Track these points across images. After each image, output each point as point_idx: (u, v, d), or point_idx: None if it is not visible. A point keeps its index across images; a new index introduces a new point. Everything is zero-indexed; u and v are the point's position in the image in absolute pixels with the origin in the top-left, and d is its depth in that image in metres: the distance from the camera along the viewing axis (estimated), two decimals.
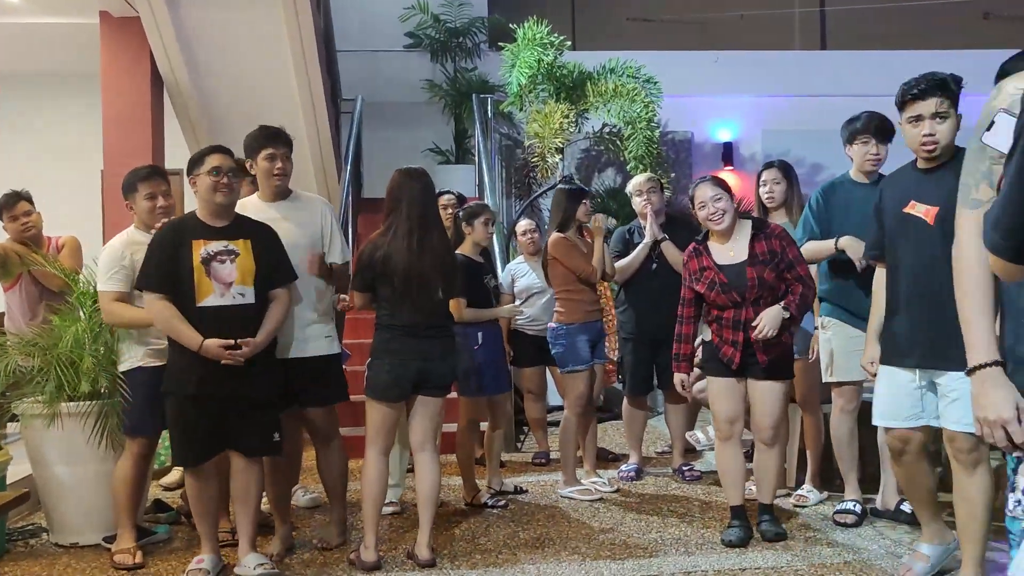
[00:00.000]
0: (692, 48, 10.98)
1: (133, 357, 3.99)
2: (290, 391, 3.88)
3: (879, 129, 4.24)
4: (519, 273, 5.84)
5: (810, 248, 4.25)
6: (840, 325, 4.29)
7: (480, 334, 4.71)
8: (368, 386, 3.85)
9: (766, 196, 4.85)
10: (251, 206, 3.95)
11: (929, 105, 3.16)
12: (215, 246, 3.59)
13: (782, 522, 4.22)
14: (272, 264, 3.69)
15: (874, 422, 3.54)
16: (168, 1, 6.46)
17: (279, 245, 3.75)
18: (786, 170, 4.85)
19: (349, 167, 8.42)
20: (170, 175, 4.38)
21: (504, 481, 5.02)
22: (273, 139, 3.93)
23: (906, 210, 3.31)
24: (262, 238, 3.69)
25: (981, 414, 1.90)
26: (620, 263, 5.28)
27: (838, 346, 4.29)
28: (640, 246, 5.23)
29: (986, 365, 1.90)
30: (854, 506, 4.31)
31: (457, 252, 4.65)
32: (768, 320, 3.90)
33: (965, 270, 1.94)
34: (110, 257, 4.00)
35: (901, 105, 3.26)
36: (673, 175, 9.52)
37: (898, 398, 3.36)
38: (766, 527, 4.09)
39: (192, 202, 3.83)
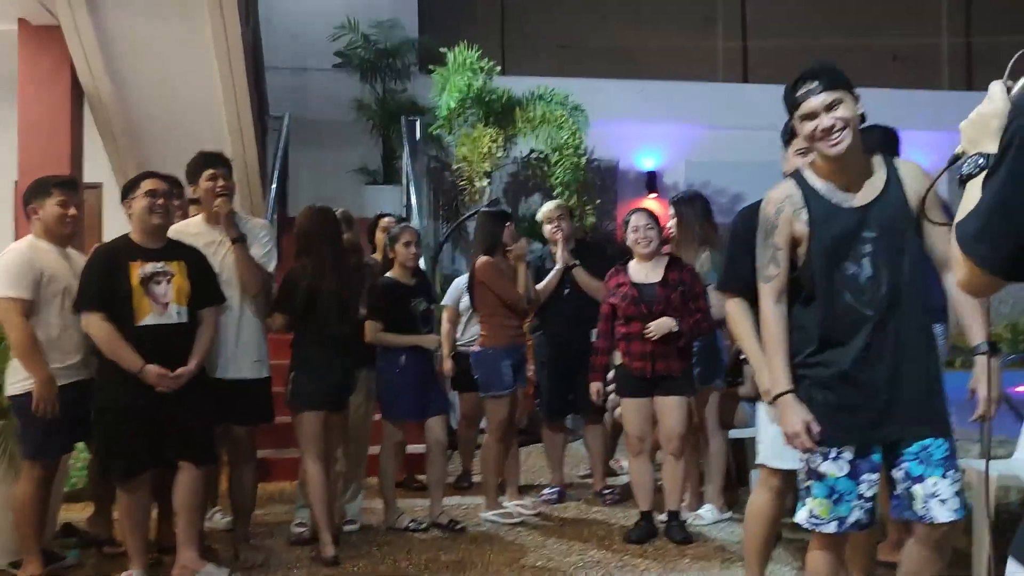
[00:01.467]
0: (619, 76, 11.21)
1: (26, 379, 3.79)
2: (218, 408, 3.94)
3: None
4: (462, 290, 5.72)
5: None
6: None
7: (403, 357, 4.67)
8: (297, 398, 4.20)
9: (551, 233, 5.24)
10: (194, 228, 4.12)
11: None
12: (151, 267, 3.72)
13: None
14: (203, 285, 3.86)
15: (764, 461, 3.34)
16: (91, 9, 6.30)
17: (208, 267, 3.94)
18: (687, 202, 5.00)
19: (275, 185, 8.33)
20: (89, 188, 4.31)
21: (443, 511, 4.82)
22: (213, 161, 4.09)
23: None
24: (193, 260, 3.86)
25: (785, 430, 2.59)
26: (541, 284, 5.37)
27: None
28: (552, 272, 5.31)
29: (785, 392, 2.59)
30: None
31: (386, 275, 4.76)
32: (659, 323, 4.35)
33: (771, 324, 2.64)
34: (18, 261, 3.80)
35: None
36: (599, 201, 9.66)
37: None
38: (674, 531, 4.43)
39: (110, 217, 3.80)
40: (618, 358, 4.56)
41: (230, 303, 4.03)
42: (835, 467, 2.55)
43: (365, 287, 4.68)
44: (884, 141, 3.66)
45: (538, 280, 5.34)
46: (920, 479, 2.52)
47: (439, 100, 8.74)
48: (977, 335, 2.63)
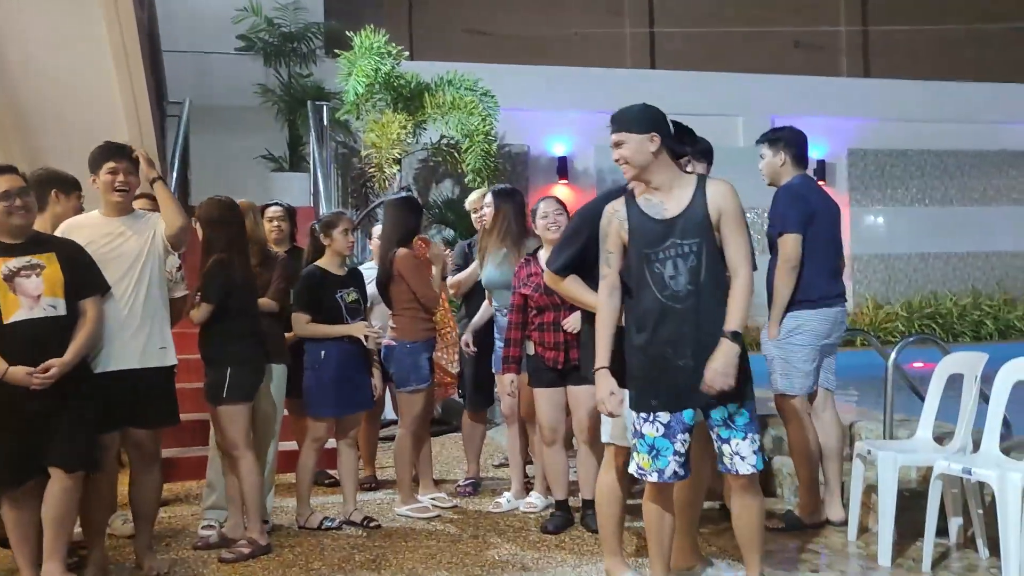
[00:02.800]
0: (528, 63, 11.17)
1: None
2: (114, 407, 3.76)
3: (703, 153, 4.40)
4: (368, 279, 5.65)
5: None
6: None
7: (323, 351, 4.56)
8: (233, 391, 4.14)
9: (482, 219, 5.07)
10: (91, 221, 3.96)
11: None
12: (16, 262, 3.55)
13: None
14: (81, 274, 3.68)
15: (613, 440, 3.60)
16: None
17: (86, 257, 3.74)
18: (504, 195, 4.99)
19: (175, 172, 8.03)
20: None
21: (357, 508, 4.75)
22: (115, 153, 3.91)
23: None
24: (66, 250, 3.69)
25: (596, 397, 3.31)
26: (458, 276, 5.35)
27: None
28: (477, 260, 5.24)
29: (600, 368, 3.26)
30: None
31: (314, 264, 4.68)
32: (575, 317, 4.27)
33: (602, 313, 3.30)
34: None
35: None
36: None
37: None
38: (590, 520, 4.38)
39: None
40: (531, 348, 4.54)
41: (134, 289, 3.86)
42: (652, 428, 3.19)
43: (278, 278, 4.61)
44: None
45: (465, 267, 5.29)
46: (727, 440, 3.18)
47: (346, 85, 8.54)
48: (729, 323, 3.13)
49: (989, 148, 12.89)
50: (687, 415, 3.18)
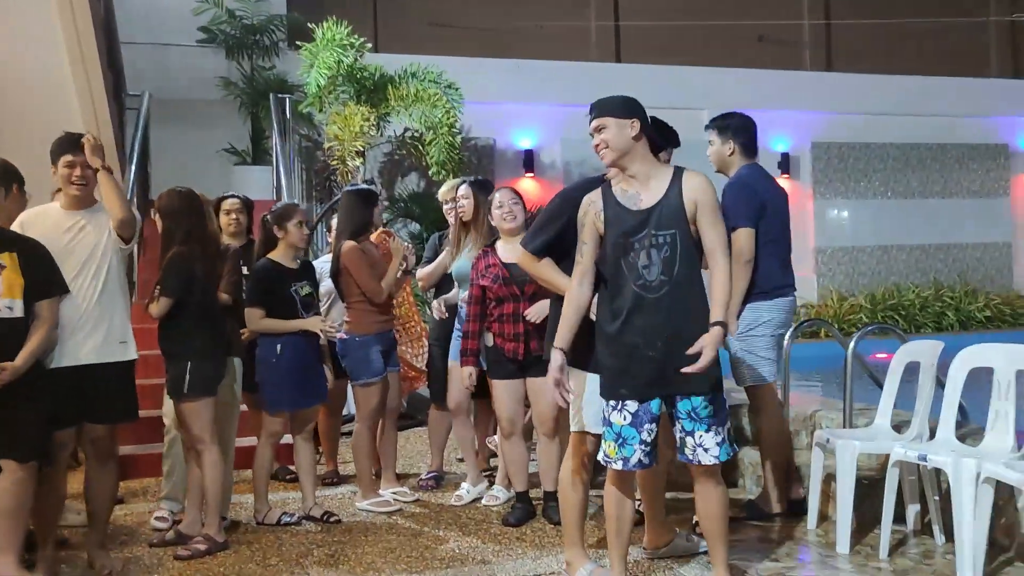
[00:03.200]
0: (494, 55, 11.13)
1: None
2: (71, 402, 3.72)
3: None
4: (324, 273, 5.59)
5: None
6: None
7: (279, 345, 4.51)
8: (196, 386, 4.07)
9: (460, 210, 4.98)
10: (51, 214, 3.89)
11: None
12: None
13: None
14: (40, 276, 3.62)
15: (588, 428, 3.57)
16: None
17: (47, 258, 3.67)
18: (484, 185, 5.00)
19: (134, 167, 7.91)
20: None
21: (316, 503, 4.70)
22: (73, 146, 3.83)
23: None
24: (28, 250, 3.63)
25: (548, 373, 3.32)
26: (427, 268, 5.30)
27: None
28: (446, 252, 5.20)
29: (558, 348, 3.31)
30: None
31: (266, 257, 4.59)
32: (538, 307, 4.27)
33: (571, 299, 3.34)
34: None
35: None
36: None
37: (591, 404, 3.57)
38: (552, 512, 4.38)
39: None
40: (489, 339, 4.51)
41: (91, 283, 3.80)
42: (620, 417, 3.22)
43: (230, 271, 4.56)
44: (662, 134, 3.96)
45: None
46: (691, 432, 3.21)
47: (308, 77, 8.45)
48: (715, 313, 3.15)
49: (950, 141, 13.05)
50: (654, 405, 3.22)
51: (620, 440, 3.23)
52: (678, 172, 3.25)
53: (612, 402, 3.24)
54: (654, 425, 3.23)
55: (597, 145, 3.25)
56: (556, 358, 3.32)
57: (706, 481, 3.29)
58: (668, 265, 3.15)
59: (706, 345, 3.10)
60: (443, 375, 5.25)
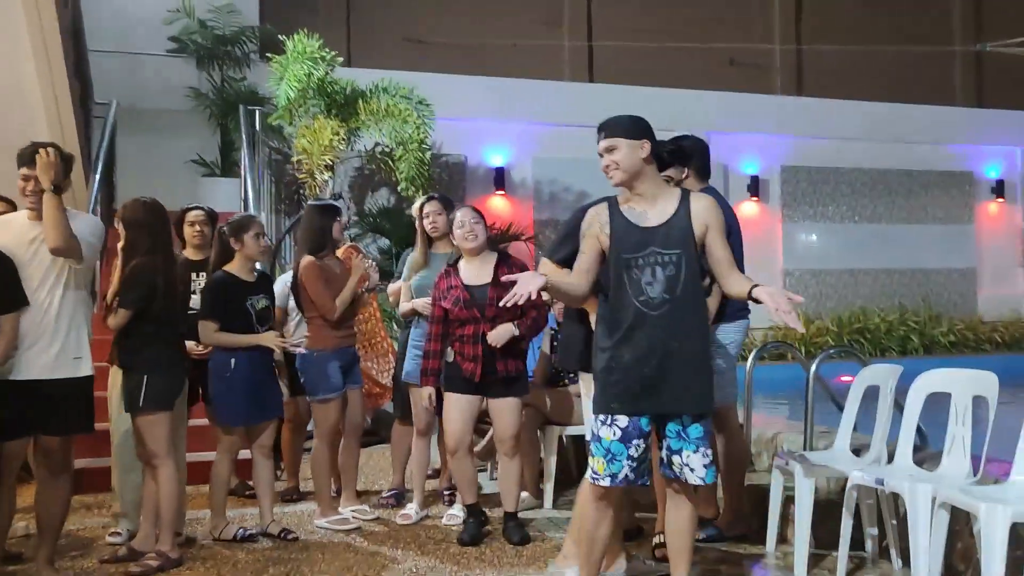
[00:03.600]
0: (467, 73, 11.13)
1: None
2: (23, 414, 3.67)
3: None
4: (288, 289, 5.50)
5: None
6: None
7: (233, 360, 4.44)
8: (152, 400, 4.00)
9: (430, 227, 4.97)
10: (16, 224, 3.87)
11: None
12: None
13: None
14: (2, 291, 3.61)
15: None
16: None
17: (11, 271, 3.67)
18: (447, 202, 5.02)
19: (99, 176, 7.81)
20: None
21: (274, 520, 4.63)
22: (30, 159, 3.77)
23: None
24: None
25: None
26: (396, 284, 5.25)
27: None
28: (408, 267, 5.17)
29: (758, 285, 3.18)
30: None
31: (222, 269, 4.52)
32: (499, 332, 4.33)
33: (571, 276, 3.34)
34: None
35: None
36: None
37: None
38: (512, 532, 4.39)
39: None
40: (450, 355, 4.48)
41: (48, 296, 3.75)
42: (609, 432, 3.21)
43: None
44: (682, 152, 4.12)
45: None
46: (679, 452, 3.20)
47: (278, 90, 8.40)
48: (749, 283, 3.19)
49: (916, 168, 13.21)
50: (644, 421, 3.21)
51: (609, 456, 3.19)
52: (685, 194, 3.29)
53: (602, 416, 3.23)
54: (642, 441, 3.22)
55: (607, 166, 3.23)
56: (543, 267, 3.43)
57: (683, 496, 3.29)
58: (671, 284, 3.16)
59: (774, 294, 3.08)
60: (406, 388, 5.21)
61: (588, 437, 3.41)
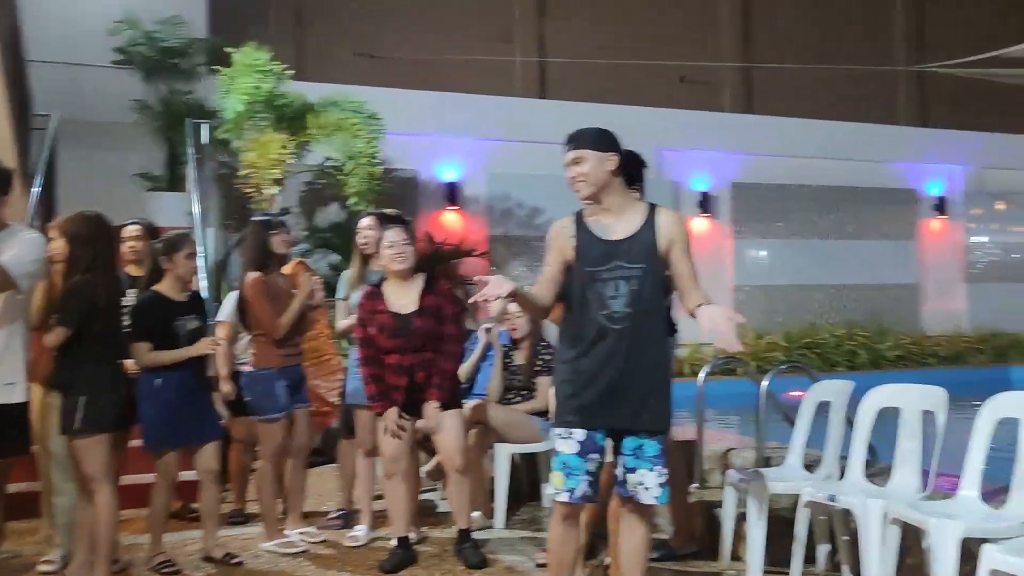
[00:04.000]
0: (419, 87, 11.09)
1: None
2: None
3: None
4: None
5: None
6: None
7: (157, 380, 4.20)
8: (90, 422, 3.84)
9: (362, 243, 4.93)
10: None
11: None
12: None
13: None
14: None
15: None
16: None
17: None
18: (384, 220, 4.93)
19: (39, 189, 7.59)
20: None
21: (218, 544, 4.49)
22: None
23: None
24: None
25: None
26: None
27: None
28: (344, 285, 5.08)
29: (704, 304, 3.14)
30: None
31: (152, 289, 4.32)
32: (429, 417, 4.28)
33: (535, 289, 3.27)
34: None
35: None
36: (397, 213, 9.46)
37: None
38: (468, 553, 4.28)
39: None
40: None
41: None
42: (567, 445, 3.17)
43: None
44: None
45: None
46: (634, 470, 3.17)
47: (225, 102, 8.25)
48: (698, 298, 3.16)
49: (862, 185, 13.45)
50: (599, 436, 3.17)
51: (567, 470, 3.15)
52: (652, 208, 3.25)
53: (560, 430, 3.19)
54: (599, 456, 3.19)
55: (574, 178, 3.19)
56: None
57: (638, 517, 3.25)
58: (635, 297, 3.13)
59: (715, 316, 3.00)
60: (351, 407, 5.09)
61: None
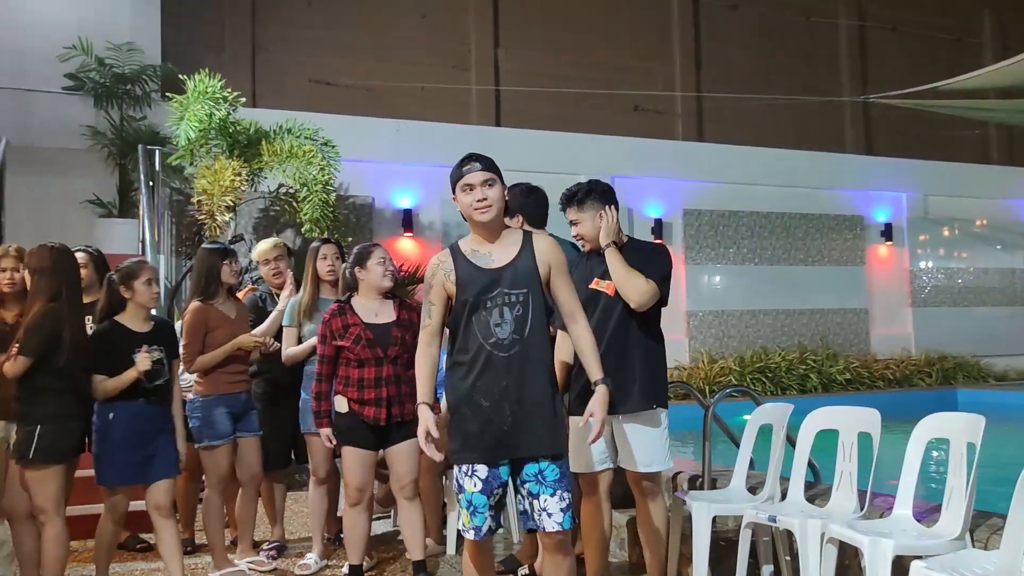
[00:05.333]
0: (374, 115, 11.15)
1: None
2: None
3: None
4: None
5: None
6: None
7: (111, 413, 4.07)
8: (45, 452, 3.87)
9: (327, 270, 5.00)
10: None
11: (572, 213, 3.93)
12: None
13: None
14: None
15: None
16: None
17: None
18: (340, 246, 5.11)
19: None
20: None
21: None
22: None
23: (591, 286, 3.84)
24: None
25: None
26: (295, 351, 4.96)
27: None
28: (274, 313, 5.10)
29: (423, 403, 3.23)
30: None
31: (111, 319, 4.18)
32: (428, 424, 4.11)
33: (421, 361, 3.34)
34: None
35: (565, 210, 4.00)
36: (351, 240, 9.49)
37: (586, 445, 3.63)
38: None
39: None
40: (343, 405, 4.32)
41: None
42: (471, 483, 3.13)
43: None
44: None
45: (258, 322, 5.06)
46: (536, 496, 3.13)
47: (178, 129, 8.23)
48: (595, 372, 3.24)
49: (812, 211, 13.74)
50: (503, 471, 3.15)
51: (471, 508, 3.13)
52: (527, 235, 3.29)
53: (464, 467, 3.16)
54: (501, 489, 3.17)
55: (483, 199, 3.16)
56: (425, 415, 3.20)
57: (555, 552, 3.19)
58: (520, 324, 3.13)
59: (596, 408, 3.16)
60: (273, 436, 5.00)
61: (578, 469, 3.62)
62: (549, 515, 3.11)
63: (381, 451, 4.45)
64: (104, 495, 4.27)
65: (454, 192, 3.24)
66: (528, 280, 3.17)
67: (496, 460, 3.13)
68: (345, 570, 4.53)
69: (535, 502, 3.14)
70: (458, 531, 3.34)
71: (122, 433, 4.08)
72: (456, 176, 3.22)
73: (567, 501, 3.14)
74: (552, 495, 3.12)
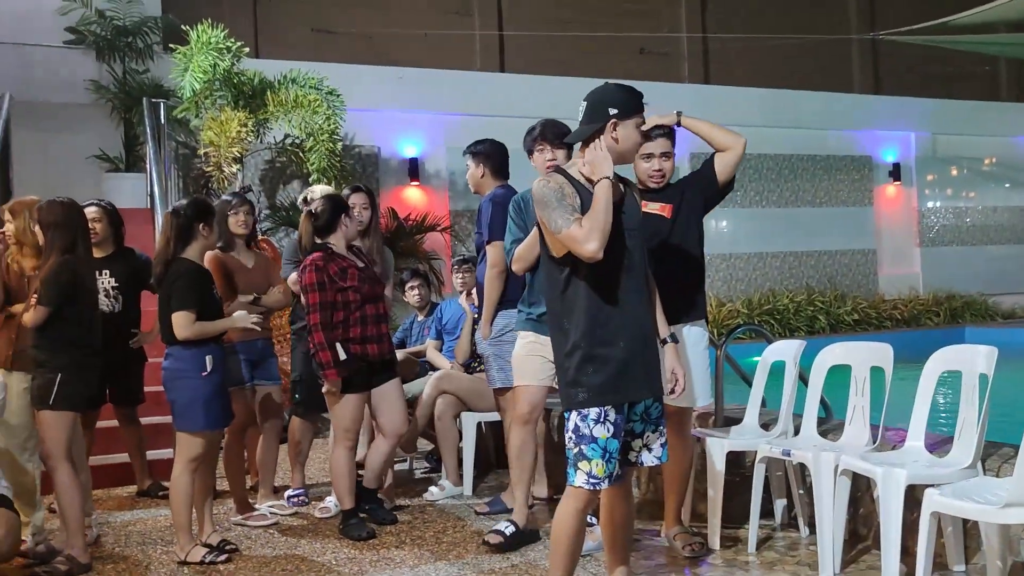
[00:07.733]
0: (378, 63, 11.04)
1: None
2: None
3: (556, 135, 4.37)
4: None
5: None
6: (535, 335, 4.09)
7: (209, 357, 4.03)
8: (65, 399, 3.93)
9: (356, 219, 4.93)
10: None
11: (658, 144, 4.03)
12: None
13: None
14: None
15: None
16: None
17: None
18: (371, 195, 5.09)
19: None
20: None
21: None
22: None
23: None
24: None
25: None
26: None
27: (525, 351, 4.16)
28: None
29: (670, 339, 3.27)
30: (506, 528, 4.12)
31: (184, 257, 4.10)
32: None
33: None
34: None
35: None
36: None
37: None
38: (376, 512, 4.54)
39: None
40: (342, 352, 4.28)
41: None
42: (604, 429, 2.91)
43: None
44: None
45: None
46: (641, 435, 3.07)
47: (182, 81, 8.18)
48: (663, 330, 3.25)
49: (819, 153, 13.64)
50: (638, 409, 3.04)
51: (607, 456, 2.90)
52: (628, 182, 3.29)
53: (594, 413, 2.90)
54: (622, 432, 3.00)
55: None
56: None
57: (627, 490, 3.19)
58: (645, 255, 3.13)
59: (677, 367, 3.24)
60: (309, 382, 4.93)
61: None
62: (650, 450, 3.08)
63: None
64: (185, 445, 4.06)
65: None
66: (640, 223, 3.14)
67: (637, 400, 3.00)
68: (329, 503, 4.75)
69: (636, 440, 3.06)
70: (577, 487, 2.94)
71: (220, 376, 4.11)
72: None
73: (664, 436, 3.12)
74: (654, 431, 3.08)
